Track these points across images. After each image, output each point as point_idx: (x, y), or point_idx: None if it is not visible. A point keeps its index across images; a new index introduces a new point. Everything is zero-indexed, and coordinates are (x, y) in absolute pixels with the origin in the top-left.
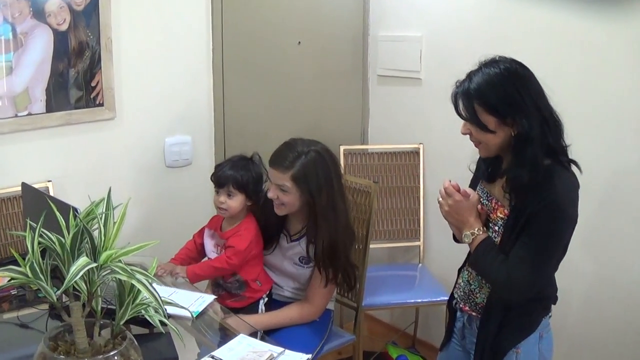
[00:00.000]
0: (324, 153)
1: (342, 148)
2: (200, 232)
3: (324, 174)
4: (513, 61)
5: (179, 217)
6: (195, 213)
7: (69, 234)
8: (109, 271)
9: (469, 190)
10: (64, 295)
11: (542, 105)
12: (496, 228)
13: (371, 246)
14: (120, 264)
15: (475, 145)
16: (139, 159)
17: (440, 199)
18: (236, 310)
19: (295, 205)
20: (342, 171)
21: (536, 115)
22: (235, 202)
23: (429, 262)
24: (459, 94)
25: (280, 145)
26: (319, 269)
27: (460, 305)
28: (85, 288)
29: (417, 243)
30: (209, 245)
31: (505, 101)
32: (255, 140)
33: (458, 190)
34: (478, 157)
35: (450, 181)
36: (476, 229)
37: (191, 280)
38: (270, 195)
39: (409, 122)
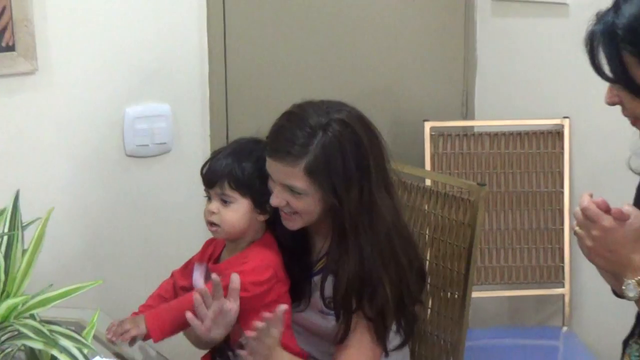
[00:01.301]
0: (354, 122)
1: (427, 126)
2: (186, 269)
3: (356, 158)
4: None
5: (149, 240)
6: (176, 233)
7: None
8: (10, 334)
9: (629, 209)
10: None
11: None
12: None
13: (476, 294)
14: (32, 322)
15: (632, 124)
16: (79, 142)
17: (577, 227)
18: None
19: (314, 212)
20: (388, 152)
21: None
22: (235, 212)
23: (580, 325)
24: (600, 34)
25: (280, 119)
26: (341, 319)
27: None
28: None
29: (559, 291)
30: (200, 285)
31: None
32: (278, 111)
33: (607, 211)
34: None
35: (591, 196)
36: None
37: (154, 336)
38: (274, 202)
39: (545, 81)
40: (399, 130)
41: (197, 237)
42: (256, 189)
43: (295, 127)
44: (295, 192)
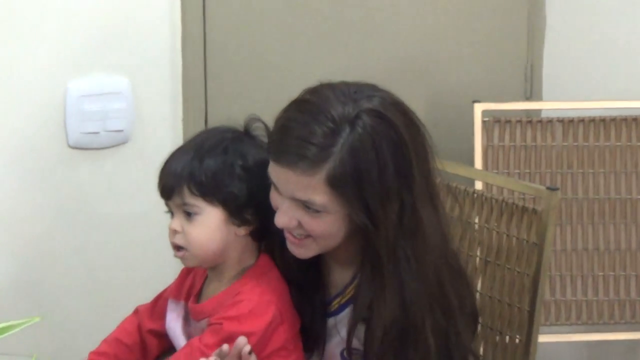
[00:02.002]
0: (391, 113)
1: (477, 109)
2: (156, 306)
3: (396, 162)
4: None
5: (101, 262)
6: (138, 253)
7: None
8: None
9: None
10: None
11: None
12: None
13: (543, 338)
14: None
15: None
16: (6, 130)
17: None
18: None
19: (336, 236)
20: (433, 151)
21: None
22: (202, 227)
23: None
24: None
25: (289, 110)
26: None
27: None
28: None
29: None
30: (177, 331)
31: None
32: (273, 91)
33: None
34: None
35: None
36: None
37: None
38: (281, 222)
39: (634, 52)
40: (438, 116)
41: (167, 260)
42: (227, 192)
43: (313, 121)
44: (311, 210)
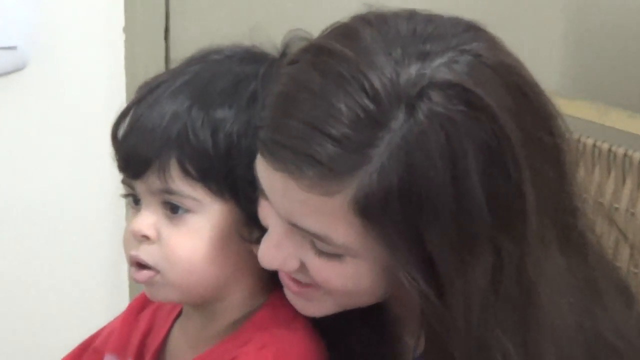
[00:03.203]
0: (491, 89)
1: None
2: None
3: (492, 182)
4: None
5: None
6: (56, 258)
7: None
8: None
9: None
10: None
11: None
12: None
13: None
14: None
15: None
16: None
17: None
18: None
19: (367, 294)
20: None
21: None
22: (194, 236)
23: None
24: None
25: (300, 60)
26: None
27: None
28: None
29: None
30: None
31: None
32: None
33: None
34: None
35: None
36: None
37: None
38: (269, 260)
39: None
40: None
41: (96, 268)
42: (250, 177)
43: (336, 94)
44: (324, 251)
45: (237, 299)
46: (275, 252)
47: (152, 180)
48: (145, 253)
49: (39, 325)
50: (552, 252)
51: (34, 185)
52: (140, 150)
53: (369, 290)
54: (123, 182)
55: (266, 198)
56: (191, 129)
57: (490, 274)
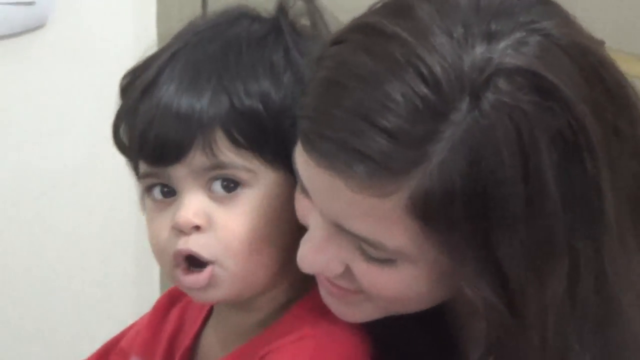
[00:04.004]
0: (566, 77)
1: None
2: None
3: (568, 180)
4: None
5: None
6: (74, 251)
7: None
8: None
9: None
10: None
11: None
12: None
13: None
14: None
15: None
16: None
17: None
18: None
19: (419, 301)
20: None
21: None
22: (255, 212)
23: None
24: None
25: (348, 40)
26: None
27: None
28: None
29: None
30: None
31: None
32: None
33: None
34: None
35: None
36: None
37: None
38: (310, 264)
39: None
40: None
41: (123, 260)
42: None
43: (389, 80)
44: (374, 257)
45: (280, 290)
46: (317, 255)
47: (197, 159)
48: (198, 245)
49: (66, 323)
50: (633, 255)
51: (54, 150)
52: (177, 131)
53: (421, 297)
54: (145, 175)
55: (307, 194)
56: (237, 99)
57: (566, 281)
